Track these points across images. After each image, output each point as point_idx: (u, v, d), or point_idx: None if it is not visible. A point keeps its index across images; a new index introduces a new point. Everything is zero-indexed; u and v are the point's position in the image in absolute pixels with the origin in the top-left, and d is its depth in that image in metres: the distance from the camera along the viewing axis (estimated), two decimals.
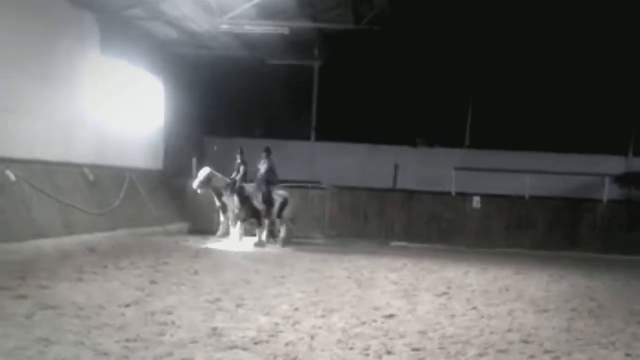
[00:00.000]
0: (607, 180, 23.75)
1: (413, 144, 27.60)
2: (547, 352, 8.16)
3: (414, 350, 7.89)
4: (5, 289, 9.98)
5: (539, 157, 25.78)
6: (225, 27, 20.59)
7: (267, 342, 7.83)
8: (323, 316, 9.52)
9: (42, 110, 16.87)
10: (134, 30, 20.86)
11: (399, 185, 25.46)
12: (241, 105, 27.87)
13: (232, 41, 23.60)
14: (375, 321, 9.35)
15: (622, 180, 25.49)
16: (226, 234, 20.49)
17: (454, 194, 23.60)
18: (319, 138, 28.14)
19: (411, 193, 23.91)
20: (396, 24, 22.85)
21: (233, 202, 20.12)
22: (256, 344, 7.72)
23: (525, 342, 8.63)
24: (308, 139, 28.28)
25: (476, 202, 22.97)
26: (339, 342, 8.05)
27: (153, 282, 11.47)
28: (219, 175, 20.50)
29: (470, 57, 26.27)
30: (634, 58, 24.59)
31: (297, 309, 9.90)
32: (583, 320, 10.34)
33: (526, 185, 23.34)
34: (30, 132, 16.37)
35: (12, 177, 15.40)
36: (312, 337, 8.17)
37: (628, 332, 9.65)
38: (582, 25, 23.23)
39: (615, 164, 26.07)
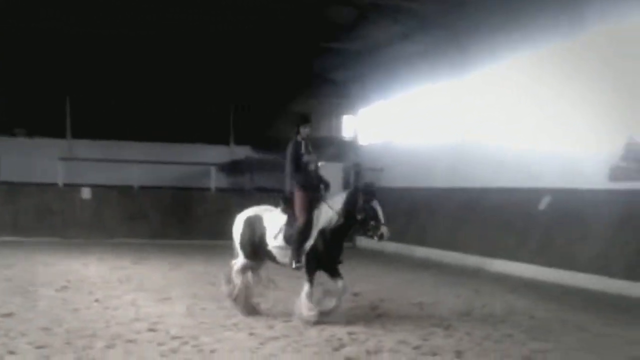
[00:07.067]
0: (213, 169, 24.81)
1: (12, 133, 26.09)
2: (174, 337, 8.33)
3: (38, 347, 7.63)
4: None
5: (147, 147, 26.01)
6: None
7: None
8: None
9: None
10: None
11: (2, 177, 23.71)
12: None
13: None
14: None
15: (227, 168, 26.67)
16: None
17: (61, 185, 22.83)
18: None
19: (14, 185, 22.65)
20: None
21: None
22: None
23: (152, 330, 8.74)
24: None
25: (86, 193, 22.55)
26: None
27: None
28: None
29: (67, 51, 25.10)
30: (218, 55, 25.46)
31: None
32: (205, 304, 10.67)
33: (135, 176, 23.47)
34: None
35: None
36: None
37: None
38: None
39: (220, 153, 27.20)
